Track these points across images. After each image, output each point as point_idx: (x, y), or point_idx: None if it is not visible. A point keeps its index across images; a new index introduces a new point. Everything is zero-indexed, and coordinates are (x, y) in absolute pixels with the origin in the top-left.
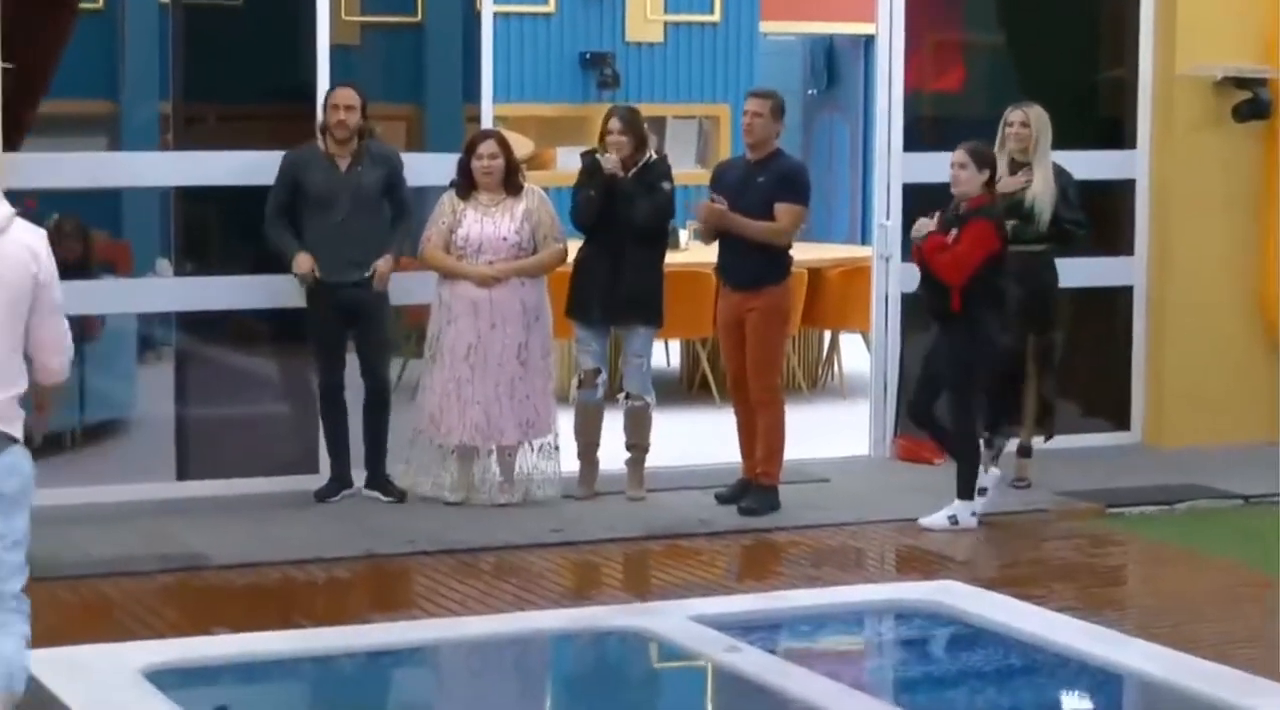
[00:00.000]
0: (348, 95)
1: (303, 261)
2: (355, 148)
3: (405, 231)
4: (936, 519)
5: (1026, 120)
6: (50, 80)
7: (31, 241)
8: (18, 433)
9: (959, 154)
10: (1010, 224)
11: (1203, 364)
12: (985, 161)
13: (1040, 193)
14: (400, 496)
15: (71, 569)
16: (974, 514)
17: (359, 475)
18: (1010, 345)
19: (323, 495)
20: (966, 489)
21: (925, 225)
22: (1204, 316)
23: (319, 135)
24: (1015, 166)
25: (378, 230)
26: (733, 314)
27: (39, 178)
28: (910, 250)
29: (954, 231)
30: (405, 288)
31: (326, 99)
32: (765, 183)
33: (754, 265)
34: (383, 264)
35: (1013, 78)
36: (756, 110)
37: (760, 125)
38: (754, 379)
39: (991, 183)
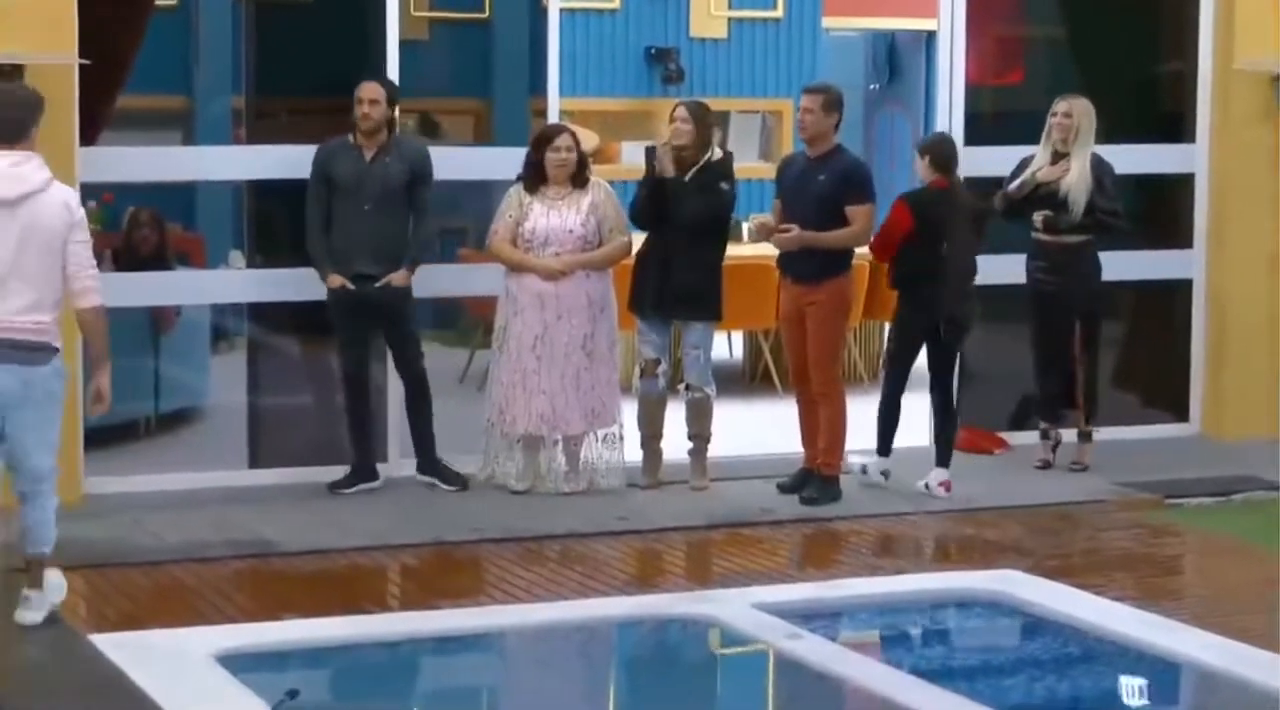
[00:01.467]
0: (372, 89)
1: (334, 280)
2: (383, 140)
3: (422, 236)
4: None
5: (1070, 111)
6: (126, 76)
7: (66, 196)
8: (59, 344)
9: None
10: (1045, 214)
11: (1261, 356)
12: (924, 151)
13: (1074, 183)
14: (463, 484)
15: (145, 554)
16: (884, 473)
17: (389, 467)
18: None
19: (338, 487)
20: (883, 445)
21: None
22: (1262, 309)
23: (353, 130)
24: (1057, 157)
25: (403, 225)
26: (794, 306)
27: (115, 172)
28: None
29: None
30: (472, 280)
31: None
32: (826, 181)
33: (815, 258)
34: (397, 278)
35: (1073, 72)
36: (809, 106)
37: (813, 121)
38: (815, 371)
39: (945, 167)
